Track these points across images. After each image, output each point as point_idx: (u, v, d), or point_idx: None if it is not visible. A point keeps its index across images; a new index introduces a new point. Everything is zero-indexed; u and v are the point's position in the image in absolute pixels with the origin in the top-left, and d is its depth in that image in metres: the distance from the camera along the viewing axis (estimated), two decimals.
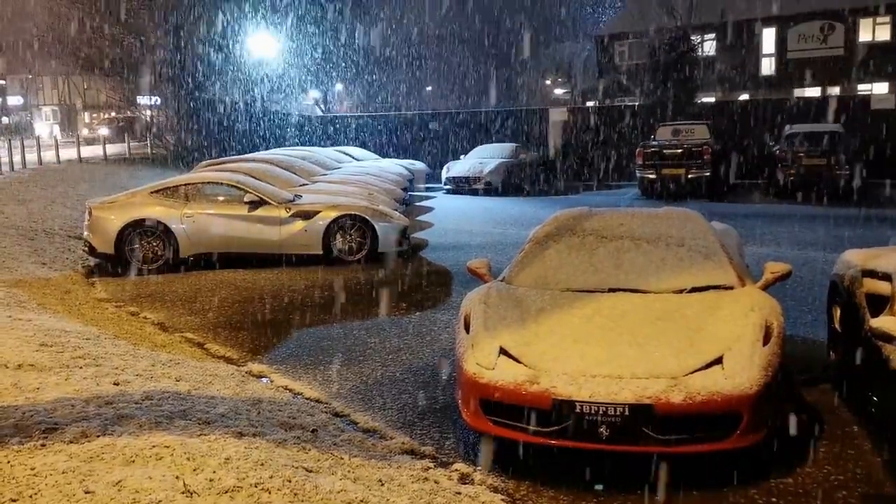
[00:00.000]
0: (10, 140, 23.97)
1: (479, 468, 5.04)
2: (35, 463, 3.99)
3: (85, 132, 41.36)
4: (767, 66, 40.85)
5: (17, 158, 22.98)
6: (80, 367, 6.14)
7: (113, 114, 47.85)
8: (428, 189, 25.42)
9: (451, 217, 18.33)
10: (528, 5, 68.78)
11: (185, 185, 12.93)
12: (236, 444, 4.55)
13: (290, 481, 4.05)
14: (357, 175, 19.13)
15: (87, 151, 29.48)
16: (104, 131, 40.56)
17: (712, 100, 32.65)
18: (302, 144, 30.25)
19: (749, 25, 39.25)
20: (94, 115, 51.71)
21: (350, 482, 4.28)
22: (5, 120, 63.44)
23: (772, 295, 5.83)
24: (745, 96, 37.57)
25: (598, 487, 4.78)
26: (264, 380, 7.05)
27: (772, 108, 25.75)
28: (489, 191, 24.04)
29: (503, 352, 5.15)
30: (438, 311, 9.40)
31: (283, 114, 35.78)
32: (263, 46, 34.55)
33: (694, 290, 5.88)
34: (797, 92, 37.51)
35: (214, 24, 30.64)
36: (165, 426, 4.74)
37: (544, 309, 5.67)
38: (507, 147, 26.45)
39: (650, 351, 4.99)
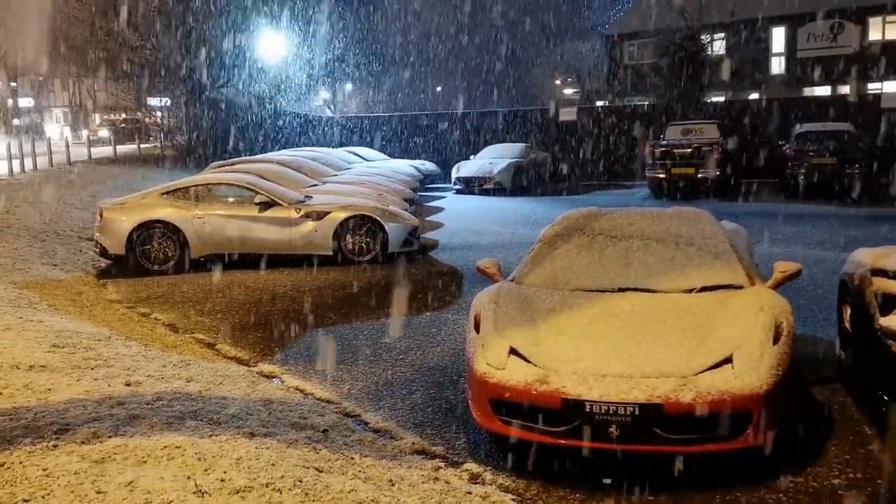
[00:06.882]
0: (21, 141, 24.04)
1: (490, 468, 5.04)
2: (47, 463, 4.01)
3: (85, 133, 41.65)
4: (777, 65, 40.75)
5: (27, 160, 23.08)
6: (92, 368, 6.17)
7: (113, 116, 48.15)
8: (437, 189, 25.44)
9: (460, 217, 18.32)
10: (535, 4, 68.76)
11: (196, 186, 12.97)
12: (247, 444, 4.57)
13: (301, 481, 4.07)
14: (367, 175, 19.16)
15: (98, 152, 29.57)
16: (104, 133, 40.79)
17: (722, 99, 32.55)
18: (312, 145, 30.32)
19: (759, 24, 39.16)
20: (105, 116, 51.99)
21: (361, 482, 4.30)
22: (16, 121, 63.67)
23: (782, 294, 5.83)
24: (754, 95, 37.46)
25: (606, 481, 4.79)
26: (275, 380, 7.07)
27: (782, 107, 25.67)
28: (499, 191, 24.03)
29: (513, 352, 5.16)
30: (448, 312, 9.40)
31: (293, 115, 35.84)
32: (274, 47, 34.61)
33: (704, 289, 5.87)
34: (807, 91, 37.41)
35: (224, 25, 30.69)
36: (177, 427, 4.77)
37: (554, 309, 5.67)
38: (516, 147, 26.43)
39: (660, 350, 4.99)
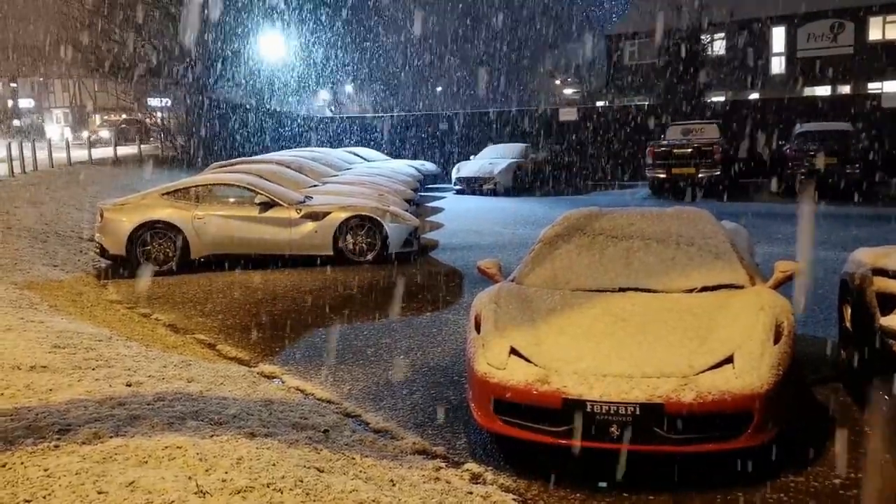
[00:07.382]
0: (21, 142, 24.05)
1: (491, 468, 5.04)
2: (48, 464, 4.01)
3: (85, 134, 41.78)
4: (777, 65, 40.75)
5: (28, 161, 23.08)
6: (93, 369, 6.17)
7: (114, 117, 48.24)
8: (438, 189, 25.44)
9: (461, 217, 18.32)
10: (537, 4, 68.79)
11: (196, 186, 12.97)
12: (248, 444, 4.57)
13: (301, 481, 4.07)
14: (367, 176, 19.15)
15: (98, 153, 29.57)
16: (105, 134, 40.87)
17: (722, 99, 32.52)
18: (312, 145, 30.31)
19: (759, 24, 39.16)
20: (105, 117, 52.02)
21: (362, 482, 4.30)
22: (17, 122, 63.68)
23: (782, 294, 5.83)
24: (755, 95, 37.45)
25: (602, 485, 4.79)
26: (276, 381, 7.06)
27: (782, 107, 25.67)
28: (499, 191, 24.04)
29: (514, 352, 5.16)
30: (449, 312, 9.40)
31: (294, 115, 35.84)
32: (274, 48, 34.61)
33: (704, 289, 5.88)
34: (807, 91, 37.39)
35: (225, 25, 30.69)
36: (178, 427, 4.77)
37: (555, 309, 5.67)
38: (516, 147, 26.43)
39: (661, 350, 4.99)
